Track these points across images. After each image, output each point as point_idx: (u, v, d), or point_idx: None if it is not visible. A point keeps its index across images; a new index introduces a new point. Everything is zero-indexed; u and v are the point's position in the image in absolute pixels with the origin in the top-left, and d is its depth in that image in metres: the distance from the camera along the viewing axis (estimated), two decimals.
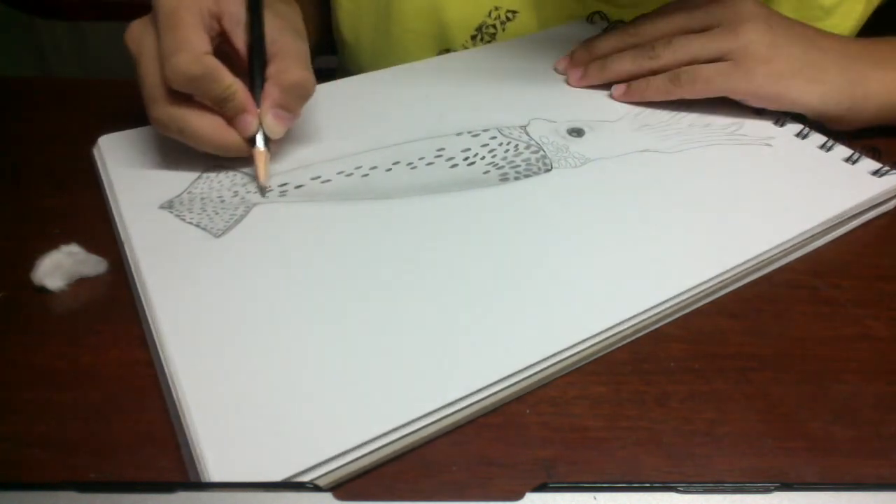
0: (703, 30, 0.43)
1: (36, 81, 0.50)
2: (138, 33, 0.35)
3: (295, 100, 0.37)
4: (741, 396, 0.29)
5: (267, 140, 0.37)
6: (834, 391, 0.29)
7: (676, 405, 0.29)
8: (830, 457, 0.27)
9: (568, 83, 0.47)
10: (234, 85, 0.35)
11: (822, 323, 0.32)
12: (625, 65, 0.45)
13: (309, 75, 0.37)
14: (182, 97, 0.35)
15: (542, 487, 0.22)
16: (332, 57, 0.65)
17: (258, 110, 0.36)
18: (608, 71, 0.45)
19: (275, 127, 0.36)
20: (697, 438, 0.27)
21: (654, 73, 0.44)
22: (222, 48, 0.37)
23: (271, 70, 0.36)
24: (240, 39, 0.36)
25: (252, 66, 0.37)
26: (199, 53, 0.33)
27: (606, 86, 0.46)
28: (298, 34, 0.38)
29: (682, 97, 0.43)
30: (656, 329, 0.32)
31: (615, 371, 0.30)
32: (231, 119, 0.36)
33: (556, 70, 0.48)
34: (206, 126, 0.35)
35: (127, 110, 0.40)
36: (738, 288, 0.34)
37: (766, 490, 0.22)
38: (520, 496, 0.22)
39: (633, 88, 0.44)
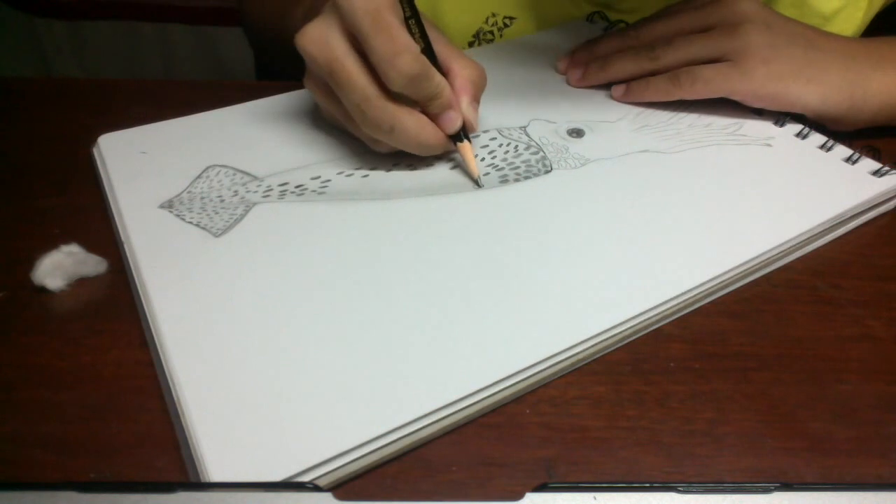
0: (703, 31, 0.43)
1: (36, 81, 0.50)
2: (321, 36, 0.35)
3: (480, 91, 0.38)
4: (741, 396, 0.29)
5: (468, 133, 0.38)
6: (834, 391, 0.29)
7: (676, 405, 0.29)
8: (830, 457, 0.27)
9: (568, 83, 0.47)
10: (441, 82, 0.36)
11: (822, 323, 0.32)
12: (625, 65, 0.45)
13: (482, 68, 0.38)
14: (390, 96, 0.35)
15: (542, 487, 0.22)
16: None
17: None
18: (608, 71, 0.45)
19: (475, 119, 0.38)
20: (697, 438, 0.27)
21: (654, 73, 0.44)
22: None
23: (456, 67, 0.37)
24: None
25: (433, 63, 0.37)
26: (416, 53, 0.34)
27: (606, 86, 0.46)
28: (442, 33, 0.40)
29: (682, 98, 0.43)
30: (656, 329, 0.32)
31: (615, 371, 0.30)
32: (435, 116, 0.37)
33: (556, 70, 0.48)
34: (414, 124, 0.36)
35: (127, 110, 0.41)
36: (738, 288, 0.34)
37: (766, 490, 0.22)
38: (520, 496, 0.22)
39: (632, 89, 0.45)
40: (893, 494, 0.22)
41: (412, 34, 0.36)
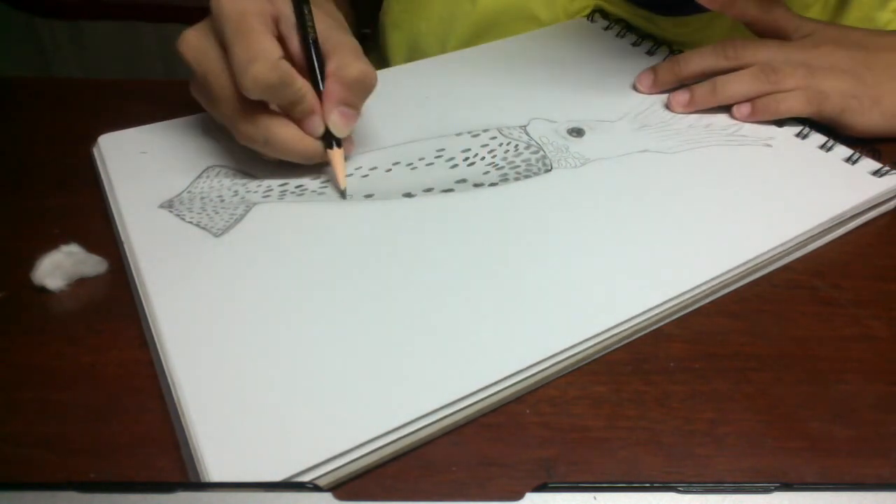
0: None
1: (36, 81, 0.50)
2: (197, 44, 0.34)
3: (358, 95, 0.36)
4: (741, 396, 0.29)
5: (339, 140, 0.36)
6: (834, 391, 0.29)
7: (676, 405, 0.29)
8: (830, 457, 0.27)
9: (668, 108, 0.45)
10: (303, 87, 0.34)
11: (822, 323, 0.32)
12: (742, 87, 0.43)
13: (369, 68, 0.36)
14: (260, 107, 0.34)
15: (542, 487, 0.22)
16: None
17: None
18: (722, 94, 0.44)
19: (340, 125, 0.36)
20: (697, 438, 0.27)
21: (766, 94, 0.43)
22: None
23: (331, 67, 0.35)
24: (295, 41, 0.36)
25: (310, 65, 0.36)
26: (274, 60, 0.33)
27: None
28: (347, 30, 0.38)
29: (808, 116, 0.43)
30: (656, 329, 0.32)
31: (615, 371, 0.30)
32: (299, 122, 0.35)
33: (636, 88, 0.46)
34: (288, 135, 0.35)
35: (127, 110, 0.40)
36: (738, 288, 0.34)
37: (766, 490, 0.22)
38: (520, 496, 0.22)
39: (758, 107, 0.43)
40: (893, 494, 0.22)
41: (282, 36, 0.35)
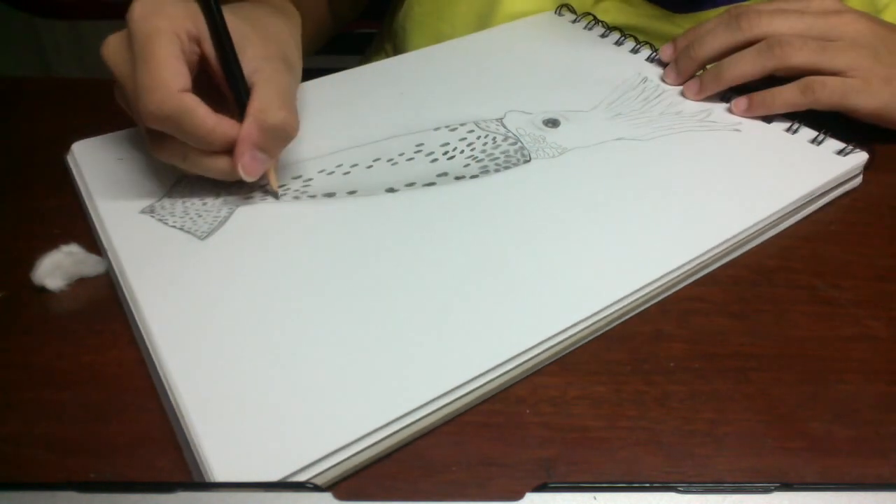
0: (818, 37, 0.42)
1: (36, 81, 0.50)
2: (116, 51, 0.32)
3: (274, 143, 0.34)
4: (741, 396, 0.29)
5: None
6: (834, 391, 0.29)
7: (676, 405, 0.29)
8: (830, 457, 0.27)
9: (684, 96, 0.45)
10: (207, 123, 0.31)
11: (822, 323, 0.32)
12: (744, 68, 0.42)
13: (291, 118, 0.33)
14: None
15: (542, 487, 0.22)
16: (334, 56, 0.65)
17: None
18: (726, 78, 0.43)
19: (249, 169, 0.33)
20: (697, 438, 0.27)
21: (773, 73, 0.42)
22: (205, 73, 0.34)
23: (253, 107, 0.33)
24: (215, 63, 0.33)
25: (233, 96, 0.34)
26: (172, 91, 0.30)
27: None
28: (286, 61, 0.36)
29: (805, 108, 0.42)
30: (656, 329, 0.32)
31: (615, 371, 0.30)
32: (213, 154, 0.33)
33: (664, 81, 0.46)
34: (206, 158, 0.33)
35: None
36: (738, 288, 0.34)
37: (766, 490, 0.22)
38: (520, 496, 0.22)
39: (756, 103, 0.43)
40: (893, 494, 0.22)
41: (205, 56, 0.33)
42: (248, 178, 0.34)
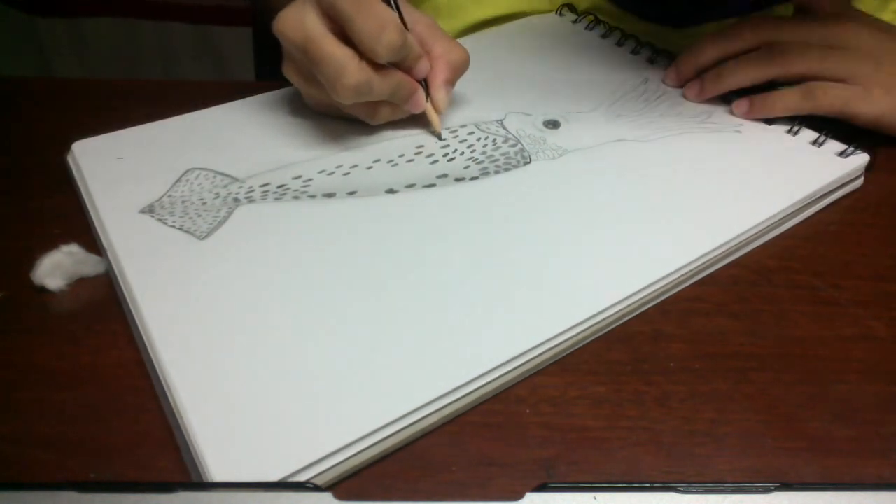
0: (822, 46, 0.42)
1: (36, 81, 0.50)
2: (300, 20, 0.36)
3: (458, 76, 0.41)
4: (741, 396, 0.29)
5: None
6: (834, 391, 0.29)
7: (676, 405, 0.29)
8: (830, 457, 0.27)
9: (685, 98, 0.45)
10: (411, 41, 0.37)
11: (822, 323, 0.32)
12: (748, 72, 0.43)
13: (466, 53, 0.41)
14: (381, 66, 0.37)
15: (542, 487, 0.22)
16: None
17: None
18: (728, 80, 0.43)
19: (446, 100, 0.40)
20: (697, 438, 0.27)
21: (776, 80, 0.43)
22: None
23: (438, 51, 0.40)
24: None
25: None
26: (399, 25, 0.36)
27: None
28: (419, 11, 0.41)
29: (808, 113, 0.42)
30: (656, 329, 0.32)
31: (615, 371, 0.30)
32: (409, 69, 0.39)
33: (664, 83, 0.47)
34: (392, 81, 0.37)
35: (127, 109, 0.40)
36: (738, 288, 0.34)
37: (766, 490, 0.22)
38: (520, 496, 0.22)
39: (757, 105, 0.43)
40: (893, 494, 0.22)
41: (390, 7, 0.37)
42: (443, 109, 0.41)
